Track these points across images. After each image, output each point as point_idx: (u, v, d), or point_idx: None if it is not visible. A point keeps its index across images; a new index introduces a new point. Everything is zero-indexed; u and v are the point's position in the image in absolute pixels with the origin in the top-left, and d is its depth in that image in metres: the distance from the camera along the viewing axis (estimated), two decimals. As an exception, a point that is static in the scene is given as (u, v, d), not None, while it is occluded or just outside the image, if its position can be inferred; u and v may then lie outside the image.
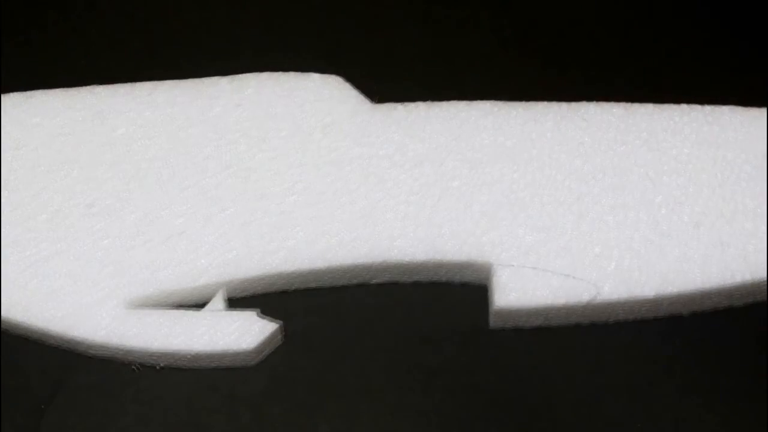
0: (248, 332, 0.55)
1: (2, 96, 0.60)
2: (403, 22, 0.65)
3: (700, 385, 0.56)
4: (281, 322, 0.56)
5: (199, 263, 0.57)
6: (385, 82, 0.62)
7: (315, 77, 0.60)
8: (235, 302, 0.57)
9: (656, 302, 0.56)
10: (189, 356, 0.55)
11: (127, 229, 0.57)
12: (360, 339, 0.57)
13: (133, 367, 0.56)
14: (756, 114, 0.59)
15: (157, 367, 0.56)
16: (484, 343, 0.57)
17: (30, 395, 0.56)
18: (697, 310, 0.57)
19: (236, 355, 0.55)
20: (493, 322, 0.57)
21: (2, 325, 0.57)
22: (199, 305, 0.57)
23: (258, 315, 0.56)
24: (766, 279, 0.56)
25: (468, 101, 0.60)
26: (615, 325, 0.57)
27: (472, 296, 0.58)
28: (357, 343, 0.57)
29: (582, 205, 0.57)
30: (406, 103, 0.60)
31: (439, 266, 0.57)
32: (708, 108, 0.59)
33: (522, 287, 0.56)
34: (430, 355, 0.57)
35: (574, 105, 0.60)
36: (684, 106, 0.59)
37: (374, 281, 0.58)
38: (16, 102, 0.60)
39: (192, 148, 0.59)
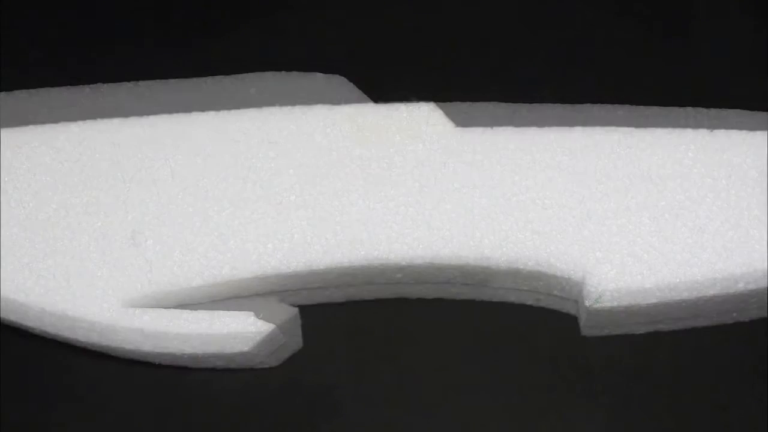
0: (243, 334, 0.55)
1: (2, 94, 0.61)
2: (406, 23, 0.65)
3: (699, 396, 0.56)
4: (274, 325, 0.56)
5: (197, 263, 0.56)
6: (387, 82, 0.62)
7: (318, 77, 0.60)
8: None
9: (657, 309, 0.55)
10: (185, 357, 0.55)
11: (125, 228, 0.57)
12: (367, 345, 0.57)
13: None
14: (761, 118, 0.59)
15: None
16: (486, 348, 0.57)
17: (30, 392, 0.57)
18: (699, 314, 0.56)
19: (232, 356, 0.55)
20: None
21: (2, 323, 0.57)
22: (197, 306, 0.57)
23: (254, 316, 0.56)
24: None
25: (470, 102, 0.60)
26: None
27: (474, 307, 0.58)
28: (361, 346, 0.57)
29: (584, 208, 0.57)
30: (409, 104, 0.59)
31: (439, 270, 0.56)
32: (713, 111, 0.59)
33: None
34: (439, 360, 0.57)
35: (577, 107, 0.59)
36: (689, 109, 0.59)
37: (376, 281, 0.58)
38: (17, 99, 0.60)
39: (192, 147, 0.59)
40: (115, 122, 0.59)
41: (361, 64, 0.63)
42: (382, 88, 0.60)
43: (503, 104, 0.59)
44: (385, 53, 0.64)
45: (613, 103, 0.59)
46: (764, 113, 0.59)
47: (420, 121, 0.59)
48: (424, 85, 0.62)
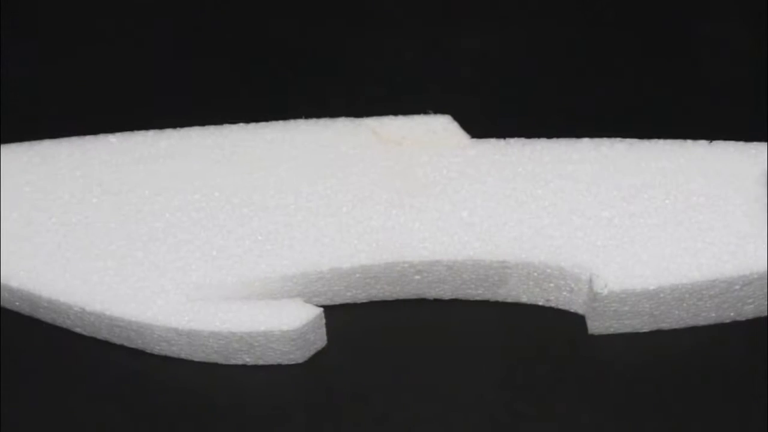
0: (272, 332, 0.56)
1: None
2: (406, 22, 0.65)
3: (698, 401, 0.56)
4: (300, 324, 0.56)
5: (226, 265, 0.57)
6: (390, 86, 0.62)
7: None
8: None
9: (660, 309, 0.56)
10: (214, 353, 0.57)
11: (147, 233, 0.58)
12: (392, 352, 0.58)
13: None
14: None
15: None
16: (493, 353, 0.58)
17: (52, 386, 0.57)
18: (699, 314, 0.57)
19: (261, 353, 0.57)
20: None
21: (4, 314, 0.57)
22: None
23: (281, 315, 0.56)
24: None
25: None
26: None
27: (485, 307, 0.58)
28: (381, 345, 0.58)
29: (591, 214, 0.57)
30: (427, 116, 0.60)
31: (455, 272, 0.57)
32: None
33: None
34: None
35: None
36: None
37: (396, 283, 0.58)
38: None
39: (203, 151, 0.59)
40: (150, 134, 0.60)
41: (368, 69, 0.63)
42: (387, 93, 0.61)
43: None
44: (390, 54, 0.64)
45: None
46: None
47: (438, 133, 0.60)
48: (426, 89, 0.63)
